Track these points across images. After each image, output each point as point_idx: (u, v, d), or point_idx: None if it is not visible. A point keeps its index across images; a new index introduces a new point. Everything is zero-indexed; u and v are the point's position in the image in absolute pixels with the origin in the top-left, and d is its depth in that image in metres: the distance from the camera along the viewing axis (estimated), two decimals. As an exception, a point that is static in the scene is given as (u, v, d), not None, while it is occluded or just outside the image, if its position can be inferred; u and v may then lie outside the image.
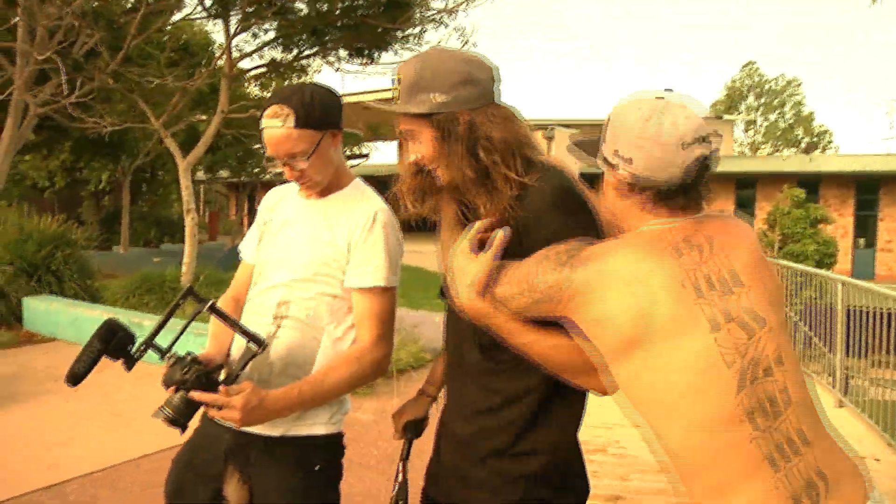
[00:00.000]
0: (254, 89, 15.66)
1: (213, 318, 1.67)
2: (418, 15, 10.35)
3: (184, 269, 10.02)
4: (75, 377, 1.54)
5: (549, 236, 1.31)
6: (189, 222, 10.26)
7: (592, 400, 1.83)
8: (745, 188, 22.26)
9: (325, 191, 1.78)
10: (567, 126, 22.02)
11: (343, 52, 11.48)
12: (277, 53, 11.18)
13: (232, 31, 9.94)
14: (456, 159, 1.37)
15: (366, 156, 23.67)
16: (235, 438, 1.70)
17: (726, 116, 32.85)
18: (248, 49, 10.67)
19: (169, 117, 10.47)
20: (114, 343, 1.54)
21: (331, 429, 1.74)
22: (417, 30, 11.23)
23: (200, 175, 17.63)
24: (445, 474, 1.54)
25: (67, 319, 7.44)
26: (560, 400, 1.39)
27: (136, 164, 17.64)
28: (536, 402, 1.38)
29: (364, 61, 11.58)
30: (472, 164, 1.37)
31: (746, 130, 44.18)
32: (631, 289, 1.14)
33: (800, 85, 43.97)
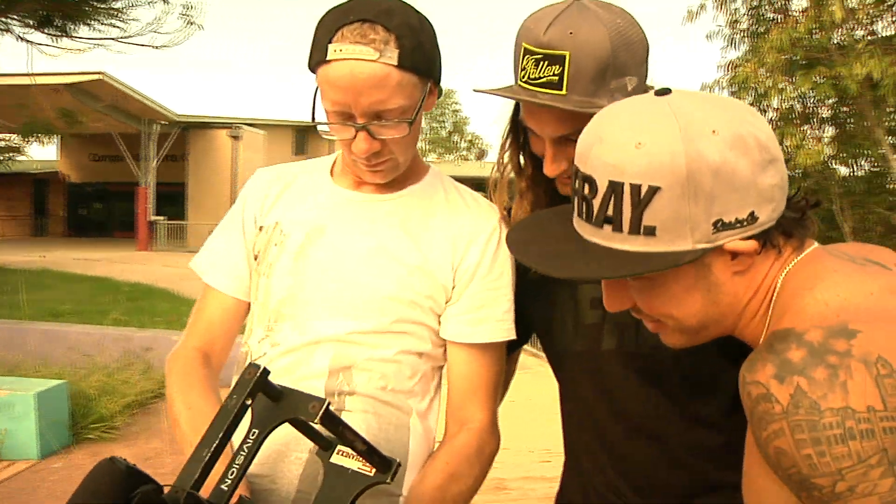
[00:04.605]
0: None
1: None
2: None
3: None
4: None
5: None
6: None
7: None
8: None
9: (395, 182, 1.15)
10: (252, 125, 21.69)
11: (16, 19, 9.31)
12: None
13: None
14: None
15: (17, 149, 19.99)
16: None
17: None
18: None
19: None
20: None
21: None
22: (121, 3, 9.74)
23: None
24: None
25: None
26: None
27: None
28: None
29: (55, 32, 9.51)
30: None
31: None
32: None
33: (455, 94, 48.43)
